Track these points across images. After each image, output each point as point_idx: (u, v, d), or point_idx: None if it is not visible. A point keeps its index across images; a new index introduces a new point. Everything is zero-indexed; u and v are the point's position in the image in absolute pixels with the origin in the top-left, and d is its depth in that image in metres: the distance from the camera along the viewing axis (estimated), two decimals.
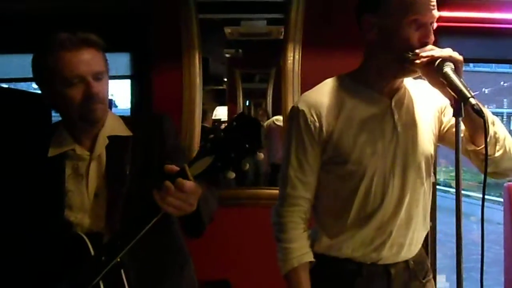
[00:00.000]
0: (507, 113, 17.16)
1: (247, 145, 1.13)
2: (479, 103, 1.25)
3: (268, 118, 3.39)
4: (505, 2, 2.90)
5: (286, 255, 1.49)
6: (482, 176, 1.25)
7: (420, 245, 1.55)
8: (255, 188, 3.01)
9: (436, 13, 1.34)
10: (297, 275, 1.48)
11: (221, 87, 3.46)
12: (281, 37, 2.94)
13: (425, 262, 1.59)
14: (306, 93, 1.54)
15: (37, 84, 1.47)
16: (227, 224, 2.69)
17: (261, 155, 1.15)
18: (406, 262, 1.51)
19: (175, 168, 1.22)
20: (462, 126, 1.36)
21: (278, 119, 3.07)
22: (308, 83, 2.84)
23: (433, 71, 1.27)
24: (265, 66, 3.36)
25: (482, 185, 1.22)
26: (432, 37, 1.35)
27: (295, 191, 1.50)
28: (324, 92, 1.50)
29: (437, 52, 1.28)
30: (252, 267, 2.74)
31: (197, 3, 2.84)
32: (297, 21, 2.80)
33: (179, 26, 2.84)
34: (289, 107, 2.84)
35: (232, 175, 1.17)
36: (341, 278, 1.52)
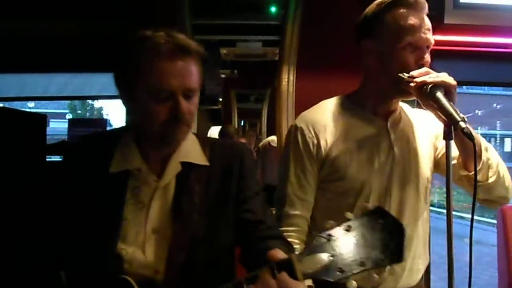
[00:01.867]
0: (500, 135, 17.27)
1: (382, 256, 0.87)
2: (470, 128, 1.28)
3: (258, 139, 3.41)
4: (498, 26, 2.94)
5: None
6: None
7: (420, 275, 1.51)
8: None
9: (431, 37, 1.37)
10: None
11: (216, 107, 3.48)
12: (276, 58, 2.97)
13: None
14: (304, 112, 1.54)
15: (117, 86, 1.23)
16: None
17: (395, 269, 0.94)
18: None
19: (280, 256, 0.95)
20: (456, 152, 1.39)
21: (274, 140, 3.07)
22: (302, 104, 2.86)
23: (425, 95, 1.29)
24: (260, 86, 3.39)
25: (475, 207, 1.24)
26: (428, 59, 1.37)
27: (294, 210, 1.46)
28: (321, 111, 1.51)
29: (430, 77, 1.29)
30: None
31: (193, 25, 2.86)
32: (292, 43, 2.83)
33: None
34: (284, 128, 2.87)
35: (354, 285, 0.89)
36: None
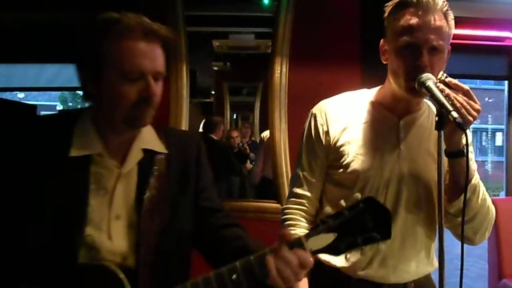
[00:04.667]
0: (491, 129, 17.37)
1: (376, 234, 1.07)
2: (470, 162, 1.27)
3: (253, 133, 3.40)
4: (490, 20, 2.94)
5: None
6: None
7: (422, 275, 1.49)
8: (242, 200, 3.01)
9: (434, 38, 1.32)
10: None
11: (208, 100, 3.47)
12: (269, 51, 2.95)
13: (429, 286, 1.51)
14: (324, 100, 1.58)
15: (80, 71, 1.19)
16: None
17: (383, 246, 1.18)
18: (405, 284, 1.47)
19: (291, 236, 1.10)
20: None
21: (266, 134, 3.06)
22: (295, 97, 2.88)
23: (418, 85, 1.29)
24: (253, 79, 3.37)
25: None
26: (424, 61, 1.32)
27: (300, 190, 1.54)
28: (339, 101, 1.55)
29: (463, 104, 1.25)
30: None
31: (185, 16, 2.84)
32: (284, 35, 2.82)
33: (172, 49, 2.83)
34: (276, 121, 2.87)
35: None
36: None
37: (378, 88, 1.54)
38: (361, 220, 1.07)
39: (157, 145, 1.28)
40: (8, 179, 1.17)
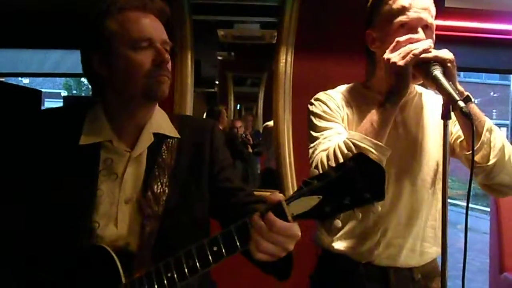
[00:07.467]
0: (496, 124, 17.36)
1: (367, 195, 0.96)
2: (476, 108, 1.30)
3: (255, 123, 3.40)
4: (497, 12, 2.92)
5: None
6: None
7: (430, 259, 1.51)
8: None
9: (427, 17, 1.37)
10: None
11: (212, 90, 3.46)
12: (274, 41, 2.93)
13: (436, 279, 1.50)
14: (323, 91, 1.56)
15: (89, 53, 1.21)
16: (216, 227, 2.67)
17: (379, 208, 0.98)
18: (411, 271, 1.49)
19: (275, 198, 1.00)
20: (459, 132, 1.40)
21: (270, 124, 3.06)
22: (300, 87, 2.88)
23: (424, 74, 1.28)
24: (257, 70, 3.36)
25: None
26: (422, 37, 1.34)
27: (328, 137, 1.43)
28: (337, 92, 1.55)
29: (415, 48, 1.26)
30: (240, 270, 2.72)
31: (191, 4, 2.83)
32: (290, 25, 2.80)
33: (172, 27, 2.82)
34: (280, 111, 2.86)
35: (339, 224, 0.99)
36: (338, 275, 1.52)
37: (370, 79, 1.57)
38: (349, 180, 0.96)
39: (169, 130, 1.29)
40: (18, 170, 1.22)
